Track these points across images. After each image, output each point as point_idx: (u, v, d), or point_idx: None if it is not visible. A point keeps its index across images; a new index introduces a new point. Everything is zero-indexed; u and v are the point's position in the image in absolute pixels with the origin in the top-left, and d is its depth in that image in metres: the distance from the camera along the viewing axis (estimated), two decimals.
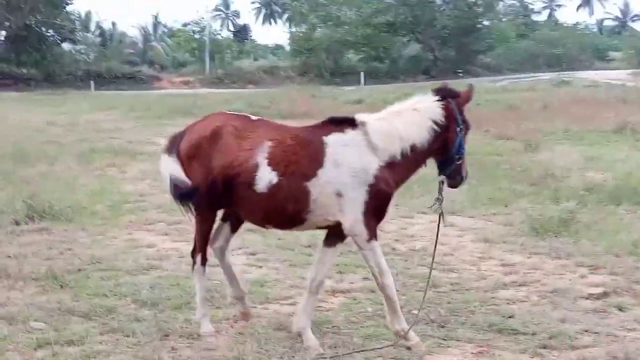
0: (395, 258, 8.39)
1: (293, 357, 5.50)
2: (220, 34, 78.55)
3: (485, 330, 6.12)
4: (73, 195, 11.74)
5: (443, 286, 7.35)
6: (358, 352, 5.61)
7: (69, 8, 62.84)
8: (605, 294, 6.99)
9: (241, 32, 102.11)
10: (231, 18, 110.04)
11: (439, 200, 5.95)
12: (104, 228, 9.73)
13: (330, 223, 5.71)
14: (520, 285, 7.37)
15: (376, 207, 5.59)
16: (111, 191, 12.42)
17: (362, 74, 56.11)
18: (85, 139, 20.41)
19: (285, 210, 5.61)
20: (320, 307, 6.73)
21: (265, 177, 5.53)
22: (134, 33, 78.44)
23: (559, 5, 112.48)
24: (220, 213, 6.18)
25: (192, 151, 5.79)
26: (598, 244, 8.61)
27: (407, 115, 5.70)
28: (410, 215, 10.38)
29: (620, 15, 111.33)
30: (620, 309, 6.65)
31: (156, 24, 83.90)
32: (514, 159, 15.50)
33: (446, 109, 5.71)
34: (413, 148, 5.64)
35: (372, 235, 5.64)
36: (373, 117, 5.78)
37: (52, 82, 53.58)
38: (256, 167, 5.55)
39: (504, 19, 78.99)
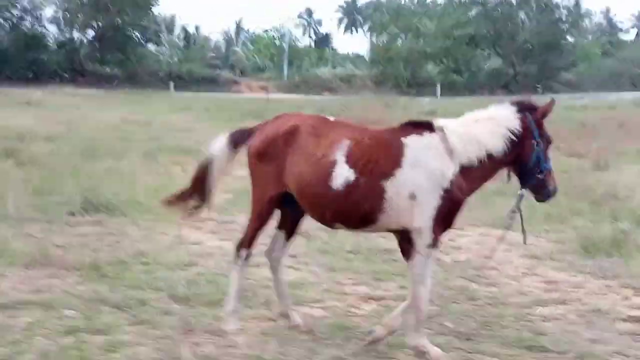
0: (437, 269, 8.29)
1: (311, 359, 5.49)
2: (299, 41, 78.94)
3: (513, 346, 5.99)
4: (131, 190, 11.98)
5: (480, 299, 7.24)
6: None
7: (154, 10, 64.28)
8: None
9: (323, 41, 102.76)
10: (314, 26, 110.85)
11: (514, 212, 5.91)
12: (155, 223, 9.89)
13: (399, 227, 5.69)
14: (559, 303, 7.20)
15: (447, 213, 5.58)
16: (169, 188, 12.49)
17: (438, 85, 55.72)
18: (156, 137, 20.79)
19: (360, 208, 5.61)
20: (351, 312, 6.74)
21: (343, 174, 5.56)
22: (217, 37, 79.66)
23: None
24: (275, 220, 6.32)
25: (265, 148, 5.88)
26: None
27: (485, 122, 5.68)
28: (461, 227, 10.23)
29: None
30: None
31: (239, 29, 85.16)
32: (580, 177, 15.14)
33: (522, 120, 5.67)
34: (489, 155, 5.62)
35: (434, 242, 5.63)
36: (451, 122, 5.78)
37: (134, 81, 54.83)
38: (334, 163, 5.59)
39: (589, 36, 77.49)
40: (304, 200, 5.81)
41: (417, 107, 36.28)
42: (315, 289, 7.37)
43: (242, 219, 10.31)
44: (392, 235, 9.08)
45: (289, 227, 6.33)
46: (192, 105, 35.00)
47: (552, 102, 5.85)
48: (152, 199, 11.35)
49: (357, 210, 5.62)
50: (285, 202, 5.99)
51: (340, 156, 5.59)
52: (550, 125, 5.93)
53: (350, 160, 5.57)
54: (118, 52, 58.74)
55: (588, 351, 5.87)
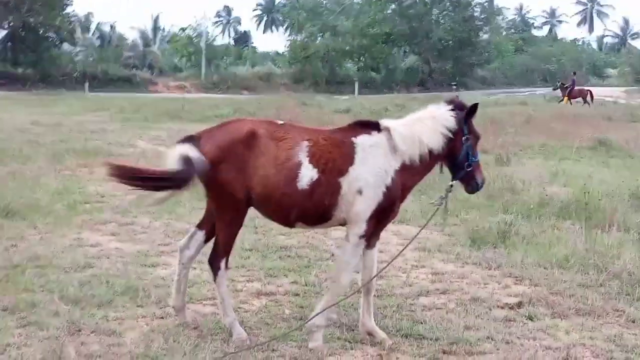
0: (331, 263, 8.57)
1: (196, 354, 5.67)
2: (217, 40, 78.43)
3: (393, 335, 6.30)
4: (34, 194, 11.91)
5: None
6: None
7: (68, 9, 62.94)
8: (520, 304, 7.18)
9: (242, 39, 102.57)
10: (233, 24, 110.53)
11: (442, 198, 6.43)
12: (55, 227, 9.88)
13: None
14: (442, 293, 7.56)
15: (384, 209, 5.99)
16: (73, 191, 12.58)
17: (356, 83, 56.35)
18: (65, 139, 20.50)
19: (321, 205, 5.95)
20: (241, 308, 6.93)
21: (307, 174, 5.85)
22: (134, 36, 78.58)
23: (560, 21, 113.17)
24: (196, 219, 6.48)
25: (222, 154, 5.88)
26: (530, 256, 8.80)
27: (426, 122, 6.16)
28: None
29: (620, 33, 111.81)
30: (531, 319, 6.84)
31: (156, 27, 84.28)
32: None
33: (455, 118, 6.15)
34: (430, 153, 6.10)
35: (366, 234, 6.00)
36: (396, 122, 6.23)
37: (47, 82, 53.68)
38: (299, 165, 5.86)
39: (503, 33, 79.33)
40: (269, 202, 5.98)
41: (333, 105, 36.67)
42: (207, 287, 7.50)
43: (143, 221, 10.47)
44: (291, 233, 9.42)
45: (210, 229, 6.37)
46: (106, 106, 34.51)
47: (477, 104, 6.36)
48: (54, 203, 11.37)
49: (318, 207, 5.96)
50: None
51: (303, 157, 5.89)
52: None
53: (313, 160, 5.89)
54: (31, 52, 57.29)
55: (460, 337, 6.22)
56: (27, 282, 7.31)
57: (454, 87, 60.97)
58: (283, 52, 79.66)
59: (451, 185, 6.38)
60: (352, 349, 6.06)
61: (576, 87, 41.88)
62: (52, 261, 8.16)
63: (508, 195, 12.83)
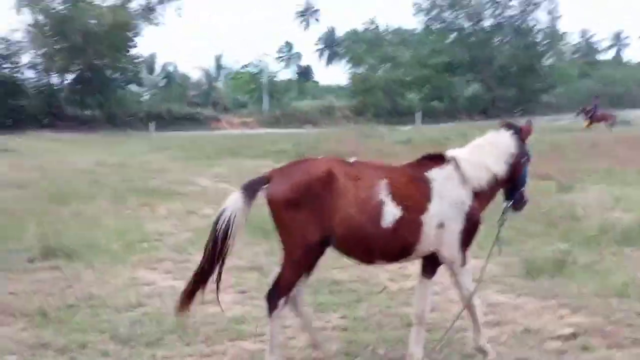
0: (382, 296, 8.51)
1: None
2: (278, 76, 79.20)
3: None
4: (93, 233, 12.12)
5: None
6: None
7: (133, 51, 64.25)
8: (574, 335, 6.98)
9: (304, 73, 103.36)
10: (294, 59, 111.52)
11: (503, 220, 6.57)
12: (111, 266, 10.01)
13: (428, 253, 6.18)
14: (495, 325, 7.40)
15: (469, 235, 6.13)
16: (132, 230, 12.75)
17: (417, 113, 56.11)
18: (128, 179, 20.87)
19: (405, 243, 6.03)
20: (289, 345, 6.89)
21: (391, 212, 5.89)
22: (198, 75, 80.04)
23: (626, 44, 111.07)
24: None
25: (297, 195, 5.80)
26: (587, 285, 8.57)
27: (489, 149, 6.33)
28: None
29: None
30: (585, 349, 6.65)
31: (219, 65, 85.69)
32: (543, 198, 15.35)
33: (516, 143, 6.33)
34: (495, 179, 6.24)
35: (466, 260, 6.17)
36: (460, 151, 6.35)
37: (114, 124, 54.98)
38: (382, 203, 5.89)
39: (567, 58, 78.15)
40: (351, 241, 5.95)
41: (395, 135, 36.54)
42: (258, 324, 7.48)
43: (199, 259, 10.48)
44: (345, 266, 9.37)
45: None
46: (169, 145, 35.13)
47: (530, 122, 6.62)
48: (113, 242, 11.55)
49: (401, 244, 6.03)
50: None
51: (384, 196, 5.91)
52: None
53: (395, 199, 5.92)
54: (98, 94, 58.69)
55: None
56: (80, 323, 7.43)
57: (518, 114, 60.30)
58: (344, 86, 79.97)
59: (507, 207, 6.52)
60: None
61: (599, 112, 41.07)
62: (105, 301, 8.27)
63: (568, 222, 12.57)
